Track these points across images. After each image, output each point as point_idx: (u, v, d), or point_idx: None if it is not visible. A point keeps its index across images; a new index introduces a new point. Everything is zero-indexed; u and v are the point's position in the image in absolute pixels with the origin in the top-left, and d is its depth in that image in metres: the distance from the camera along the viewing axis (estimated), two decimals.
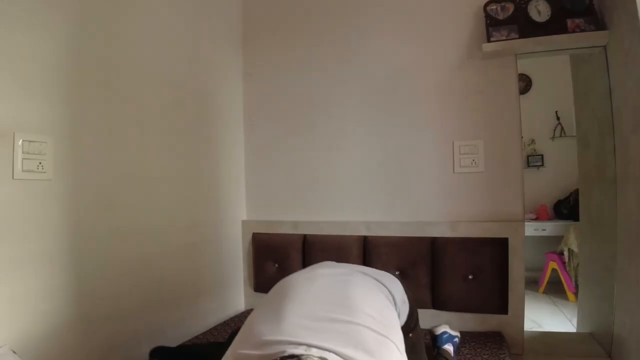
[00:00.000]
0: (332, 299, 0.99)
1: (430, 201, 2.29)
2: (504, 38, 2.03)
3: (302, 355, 0.75)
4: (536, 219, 4.15)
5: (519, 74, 4.32)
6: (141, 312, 1.98)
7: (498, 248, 2.13)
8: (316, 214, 2.55)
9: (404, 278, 2.27)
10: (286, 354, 0.75)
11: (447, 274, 2.19)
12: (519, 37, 2.01)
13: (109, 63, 1.87)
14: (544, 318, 3.21)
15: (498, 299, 2.13)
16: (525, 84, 4.37)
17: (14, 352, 1.37)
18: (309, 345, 0.78)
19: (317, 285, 1.09)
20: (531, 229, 4.10)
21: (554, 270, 3.78)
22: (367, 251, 2.36)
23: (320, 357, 0.75)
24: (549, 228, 4.04)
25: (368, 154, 2.43)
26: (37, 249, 1.56)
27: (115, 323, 1.83)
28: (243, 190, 2.80)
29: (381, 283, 1.27)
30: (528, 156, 4.38)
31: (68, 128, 1.69)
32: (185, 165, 2.32)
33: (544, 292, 3.89)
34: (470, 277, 2.16)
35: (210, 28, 2.57)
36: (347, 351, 0.78)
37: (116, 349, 1.81)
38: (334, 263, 1.54)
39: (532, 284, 4.12)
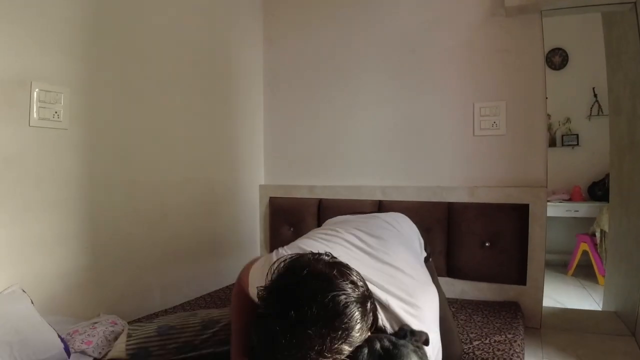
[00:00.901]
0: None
1: (448, 165, 2.22)
2: None
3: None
4: (569, 200, 3.96)
5: (555, 48, 4.15)
6: (155, 265, 2.02)
7: (518, 215, 2.04)
8: (332, 179, 2.53)
9: None
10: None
11: (464, 241, 2.13)
12: None
13: (129, 22, 1.90)
14: (571, 300, 3.06)
15: (516, 269, 2.04)
16: (561, 58, 4.13)
17: (24, 291, 1.43)
18: None
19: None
20: (563, 209, 3.91)
21: (584, 252, 3.60)
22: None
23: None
24: (582, 209, 3.83)
25: (385, 118, 2.38)
26: (51, 194, 1.61)
27: (127, 273, 1.88)
28: (261, 155, 2.81)
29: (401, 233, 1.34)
30: (563, 135, 4.16)
31: (86, 81, 1.73)
32: (203, 125, 2.34)
33: (573, 275, 3.71)
34: (487, 244, 2.08)
35: None
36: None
37: (128, 298, 1.86)
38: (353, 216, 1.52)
39: (561, 267, 3.94)
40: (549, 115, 4.18)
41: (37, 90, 1.53)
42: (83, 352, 1.36)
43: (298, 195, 2.63)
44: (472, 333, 1.70)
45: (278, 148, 2.75)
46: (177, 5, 2.15)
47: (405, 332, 0.90)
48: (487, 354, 1.49)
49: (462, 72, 2.18)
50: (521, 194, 2.04)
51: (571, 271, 3.76)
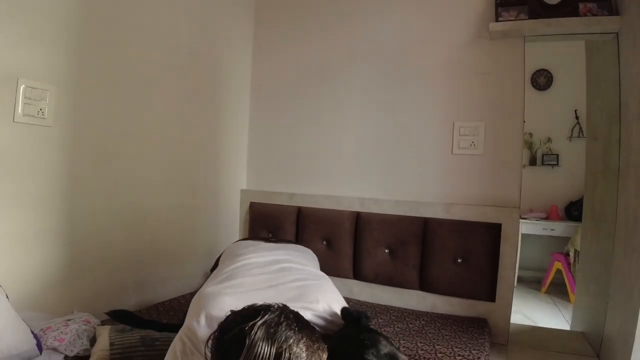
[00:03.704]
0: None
1: (426, 181, 2.28)
2: (513, 18, 1.99)
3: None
4: (546, 219, 4.06)
5: (541, 69, 4.26)
6: (132, 264, 2.04)
7: (491, 233, 2.10)
8: (313, 187, 2.57)
9: (393, 257, 2.28)
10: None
11: (437, 256, 2.18)
12: (529, 18, 1.96)
13: (118, 23, 1.92)
14: (542, 317, 3.14)
15: (486, 286, 2.10)
16: (546, 79, 4.24)
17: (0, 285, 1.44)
18: None
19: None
20: (540, 227, 4.01)
21: (558, 271, 3.69)
22: (359, 227, 2.37)
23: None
24: (558, 228, 3.94)
25: (367, 131, 2.43)
26: (32, 191, 1.62)
27: (104, 271, 1.90)
28: (245, 160, 2.84)
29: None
30: (543, 154, 4.27)
31: (72, 80, 1.74)
32: (187, 127, 2.36)
33: (546, 292, 3.80)
34: (460, 260, 2.14)
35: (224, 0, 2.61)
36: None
37: (103, 295, 1.87)
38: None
39: (535, 283, 4.04)
40: (530, 134, 4.29)
41: (23, 86, 1.55)
42: (55, 349, 1.37)
43: (278, 202, 2.66)
44: (438, 345, 1.75)
45: (261, 153, 2.79)
46: (167, 6, 2.17)
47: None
48: None
49: (445, 91, 2.24)
50: (495, 213, 2.10)
51: (544, 288, 3.86)
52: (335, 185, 2.50)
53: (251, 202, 2.75)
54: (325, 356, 0.79)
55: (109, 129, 1.92)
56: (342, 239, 2.42)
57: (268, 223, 2.65)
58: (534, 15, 1.97)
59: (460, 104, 2.21)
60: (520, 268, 4.06)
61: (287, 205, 2.62)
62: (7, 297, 1.40)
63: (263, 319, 0.77)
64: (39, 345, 1.31)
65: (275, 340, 0.74)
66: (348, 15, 2.51)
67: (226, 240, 2.68)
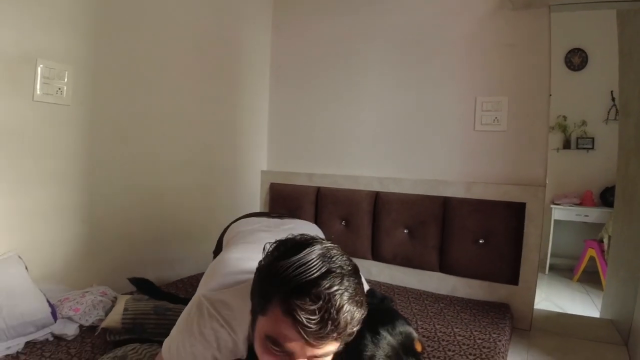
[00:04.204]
0: None
1: (447, 159, 2.21)
2: None
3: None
4: (580, 204, 3.87)
5: (575, 48, 4.03)
6: (150, 242, 2.08)
7: (514, 213, 2.01)
8: (331, 167, 2.55)
9: (412, 237, 2.23)
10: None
11: (457, 236, 2.11)
12: None
13: (136, 4, 1.94)
14: (574, 306, 3.00)
15: (509, 268, 2.02)
16: (581, 59, 4.01)
17: (20, 257, 1.49)
18: None
19: None
20: (573, 214, 3.81)
21: (591, 258, 3.51)
22: (377, 207, 2.33)
23: None
24: (592, 214, 3.73)
25: (387, 109, 2.38)
26: (52, 168, 1.67)
27: (123, 247, 1.94)
28: (265, 141, 2.84)
29: None
30: (578, 138, 4.05)
31: (90, 60, 1.78)
32: (207, 109, 2.38)
33: (579, 281, 3.63)
34: (481, 241, 2.06)
35: None
36: None
37: (122, 271, 1.90)
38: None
39: (567, 271, 3.86)
40: (564, 117, 4.09)
41: (41, 66, 1.59)
42: (70, 319, 1.42)
43: (298, 182, 2.65)
44: (457, 328, 1.70)
45: (281, 134, 2.78)
46: None
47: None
48: (471, 351, 1.49)
49: (466, 65, 2.15)
50: (518, 192, 2.01)
51: (577, 277, 3.68)
52: (354, 165, 2.47)
53: (271, 183, 2.76)
54: (361, 313, 0.78)
55: (128, 109, 1.95)
56: (360, 219, 2.38)
57: (287, 203, 2.65)
58: None
59: (483, 78, 2.12)
60: (552, 255, 3.89)
61: (307, 186, 2.61)
62: (26, 268, 1.46)
63: (323, 243, 0.81)
64: (54, 314, 1.35)
65: (330, 259, 0.77)
66: None
67: None
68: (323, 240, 0.84)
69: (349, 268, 0.79)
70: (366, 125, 2.44)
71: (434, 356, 1.44)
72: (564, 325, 2.13)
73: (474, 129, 2.13)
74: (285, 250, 0.80)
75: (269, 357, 0.78)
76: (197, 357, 0.92)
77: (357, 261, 0.89)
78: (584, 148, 4.03)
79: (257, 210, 2.79)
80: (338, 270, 0.76)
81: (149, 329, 1.39)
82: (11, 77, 1.51)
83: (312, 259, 0.76)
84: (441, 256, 2.16)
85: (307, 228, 1.45)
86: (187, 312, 1.00)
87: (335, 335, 0.73)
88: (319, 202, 2.52)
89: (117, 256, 1.91)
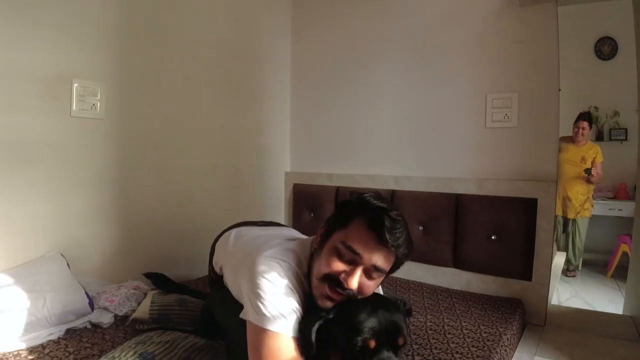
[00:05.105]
0: None
1: (459, 157, 2.25)
2: None
3: None
4: (613, 198, 3.74)
5: (604, 37, 3.90)
6: (180, 240, 2.25)
7: (526, 209, 2.03)
8: (350, 167, 2.65)
9: (427, 233, 2.29)
10: None
11: (470, 232, 2.15)
12: None
13: (159, 22, 2.12)
14: (604, 303, 2.93)
15: (522, 264, 2.04)
16: (610, 48, 3.86)
17: (62, 255, 1.69)
18: None
19: None
20: (606, 208, 3.70)
21: (625, 253, 3.40)
22: (393, 204, 2.37)
23: None
24: (626, 208, 3.60)
25: (401, 109, 2.45)
26: (88, 175, 1.86)
27: (155, 246, 2.12)
28: (288, 143, 2.98)
29: None
30: (611, 129, 3.92)
31: (120, 77, 1.97)
32: (231, 114, 2.53)
33: (612, 277, 3.52)
34: (493, 237, 2.10)
35: None
36: None
37: (155, 267, 2.03)
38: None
39: (600, 267, 3.75)
40: (595, 108, 3.97)
41: (76, 85, 1.78)
42: (105, 309, 1.59)
43: (319, 182, 2.77)
44: (465, 322, 1.75)
45: (303, 137, 2.90)
46: (206, 4, 2.33)
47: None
48: (474, 344, 1.54)
49: (476, 63, 2.19)
50: (530, 188, 2.03)
51: (610, 272, 3.58)
52: (371, 164, 2.56)
53: (294, 184, 2.88)
54: (411, 246, 1.02)
55: (156, 118, 2.13)
56: None
57: (309, 203, 2.77)
58: None
59: (493, 75, 2.15)
60: (585, 251, 3.80)
61: (327, 186, 2.72)
62: (68, 265, 1.65)
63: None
64: (91, 304, 1.53)
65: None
66: None
67: (271, 218, 2.79)
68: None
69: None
70: (382, 125, 2.52)
71: (436, 347, 1.51)
72: (581, 321, 2.12)
73: (485, 126, 2.17)
74: (360, 195, 1.04)
75: (335, 264, 0.97)
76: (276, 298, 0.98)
77: None
78: (617, 139, 3.91)
79: (283, 211, 2.95)
80: (400, 216, 1.00)
81: (173, 319, 1.54)
82: (50, 96, 1.71)
83: (386, 203, 1.02)
84: (455, 252, 2.21)
85: (291, 232, 1.54)
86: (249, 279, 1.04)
87: (396, 246, 0.96)
88: (339, 201, 2.62)
89: (149, 254, 2.09)
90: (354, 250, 0.95)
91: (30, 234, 1.66)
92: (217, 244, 1.57)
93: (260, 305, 0.97)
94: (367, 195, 1.03)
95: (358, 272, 0.96)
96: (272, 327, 0.95)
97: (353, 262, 0.96)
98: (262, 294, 0.98)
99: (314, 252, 1.06)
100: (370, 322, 0.95)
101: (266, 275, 1.00)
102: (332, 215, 1.08)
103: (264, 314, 0.96)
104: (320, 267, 0.99)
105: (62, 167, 1.76)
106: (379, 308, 0.99)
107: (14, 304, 1.38)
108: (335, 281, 0.96)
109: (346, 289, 0.96)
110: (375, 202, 1.00)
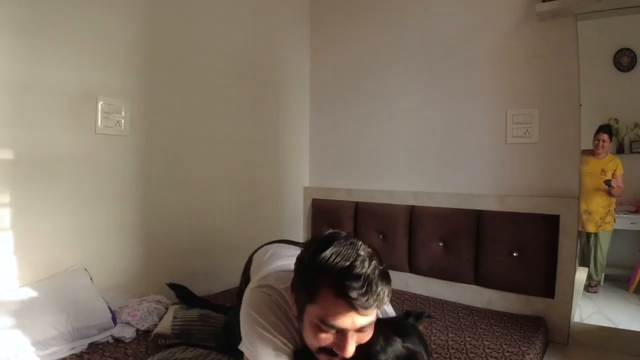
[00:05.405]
0: None
1: (480, 172, 2.23)
2: None
3: None
4: (636, 212, 3.66)
5: (623, 49, 3.85)
6: (201, 255, 2.27)
7: (548, 225, 2.00)
8: (369, 182, 2.65)
9: (447, 250, 2.27)
10: None
11: (491, 249, 2.13)
12: None
13: (181, 40, 2.17)
14: (627, 319, 2.86)
15: (544, 281, 2.01)
16: (629, 59, 3.81)
17: (86, 269, 1.72)
18: None
19: None
20: (627, 222, 3.62)
21: None
22: (413, 220, 2.39)
23: None
24: None
25: (420, 124, 2.44)
26: (112, 191, 1.90)
27: (175, 261, 2.14)
28: (307, 159, 3.00)
29: None
30: (631, 142, 3.85)
31: (143, 94, 2.01)
32: (251, 131, 2.56)
33: (635, 292, 3.43)
34: (515, 254, 2.06)
35: (280, 7, 2.78)
36: None
37: (176, 281, 2.04)
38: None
39: (623, 282, 3.66)
40: (615, 120, 3.90)
41: (101, 103, 1.83)
42: (128, 323, 1.61)
43: (337, 198, 2.77)
44: (487, 340, 1.72)
45: (321, 152, 2.92)
46: (225, 21, 2.38)
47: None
48: None
49: (495, 78, 2.18)
50: (552, 204, 2.00)
51: (633, 287, 3.49)
52: (390, 179, 2.55)
53: (313, 199, 2.89)
54: (389, 284, 0.94)
55: (179, 135, 2.16)
56: (397, 233, 2.45)
57: (328, 218, 2.78)
58: None
59: (513, 90, 2.13)
60: (607, 266, 3.71)
61: (346, 201, 2.72)
62: (91, 279, 1.68)
63: (344, 235, 0.99)
64: (114, 319, 1.55)
65: (355, 246, 0.95)
66: (397, 13, 2.55)
67: (289, 233, 2.84)
68: (341, 232, 1.01)
69: (370, 250, 0.96)
70: (400, 140, 2.52)
71: None
72: (604, 339, 2.06)
73: (505, 142, 2.15)
74: (318, 246, 0.96)
75: (323, 338, 0.93)
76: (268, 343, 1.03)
77: (395, 274, 1.02)
78: (638, 152, 3.82)
79: (302, 226, 2.96)
80: (364, 254, 0.93)
81: (194, 335, 1.55)
82: (76, 113, 1.76)
83: (343, 249, 0.93)
84: (476, 269, 2.18)
85: None
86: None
87: (377, 303, 0.90)
88: (358, 217, 2.62)
89: (171, 268, 2.10)
90: (334, 326, 0.91)
91: (54, 248, 1.70)
92: (255, 255, 1.57)
93: (247, 337, 1.03)
94: (325, 254, 0.93)
95: (349, 340, 0.92)
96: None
97: (339, 331, 0.92)
98: (249, 327, 1.04)
99: (297, 318, 1.02)
100: (385, 356, 0.96)
101: (253, 309, 1.05)
102: (296, 281, 1.01)
103: (253, 347, 1.01)
104: (311, 342, 0.96)
105: (86, 183, 1.80)
106: (391, 336, 0.99)
107: (38, 318, 1.41)
108: (330, 351, 0.94)
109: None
110: (334, 263, 0.91)
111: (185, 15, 2.18)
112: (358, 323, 0.91)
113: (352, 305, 0.88)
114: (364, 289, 0.88)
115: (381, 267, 0.94)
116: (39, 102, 1.65)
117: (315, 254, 0.95)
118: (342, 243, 0.95)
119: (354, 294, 0.87)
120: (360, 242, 0.97)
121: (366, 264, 0.91)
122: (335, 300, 0.89)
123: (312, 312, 0.93)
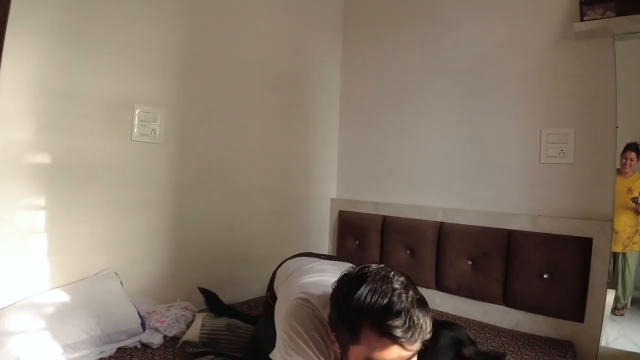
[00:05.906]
0: None
1: (512, 192, 2.19)
2: (599, 16, 1.84)
3: None
4: None
5: None
6: (227, 263, 2.29)
7: (580, 248, 1.94)
8: (397, 197, 2.63)
9: (476, 269, 2.23)
10: None
11: (522, 270, 2.08)
12: (616, 15, 1.80)
13: (215, 51, 2.21)
14: None
15: (574, 305, 1.94)
16: None
17: (116, 274, 1.75)
18: None
19: None
20: None
21: None
22: (441, 237, 2.35)
23: None
24: None
25: (451, 140, 2.42)
26: (145, 197, 1.94)
27: (203, 268, 2.17)
28: (335, 170, 3.00)
29: None
30: None
31: (178, 103, 2.06)
32: (281, 142, 2.59)
33: None
34: (546, 276, 2.01)
35: (313, 20, 2.82)
36: None
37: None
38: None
39: None
40: None
41: (138, 111, 1.87)
42: (156, 329, 1.63)
43: (364, 211, 2.76)
44: None
45: (350, 164, 2.92)
46: (261, 34, 2.42)
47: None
48: None
49: (530, 96, 2.14)
50: (585, 227, 1.94)
51: None
52: (419, 195, 2.53)
53: (340, 211, 2.89)
54: (430, 314, 0.95)
55: (211, 144, 2.20)
56: (424, 249, 2.42)
57: (354, 231, 2.77)
58: (622, 11, 1.80)
59: (548, 109, 2.09)
60: (635, 288, 3.58)
61: (373, 214, 2.71)
62: (121, 283, 1.71)
63: (374, 269, 0.99)
64: (143, 325, 1.57)
65: (389, 279, 0.95)
66: (429, 28, 2.55)
67: (316, 245, 2.85)
68: (371, 265, 1.00)
69: (403, 280, 0.96)
70: (430, 156, 2.50)
71: None
72: None
73: (539, 161, 2.10)
74: (350, 285, 0.96)
75: None
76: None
77: (421, 290, 1.01)
78: None
79: (328, 237, 2.95)
80: (398, 286, 0.93)
81: (221, 344, 1.56)
82: (113, 120, 1.80)
83: (377, 285, 0.93)
84: (505, 289, 2.13)
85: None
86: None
87: (421, 336, 0.91)
88: (384, 231, 2.60)
89: (198, 275, 2.12)
90: None
91: (87, 251, 1.73)
92: (279, 270, 1.58)
93: (285, 348, 1.04)
94: (360, 294, 0.92)
95: None
96: None
97: None
98: (289, 339, 1.04)
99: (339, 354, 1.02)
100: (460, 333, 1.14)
101: (297, 321, 1.06)
102: (335, 320, 0.99)
103: (290, 358, 1.02)
104: None
105: (121, 189, 1.84)
106: (445, 326, 1.17)
107: (69, 321, 1.43)
108: None
109: None
110: (372, 303, 0.91)
111: (221, 27, 2.23)
112: (405, 355, 0.92)
113: (396, 342, 0.89)
114: (407, 325, 0.88)
115: (418, 297, 0.94)
116: (78, 109, 1.69)
117: (349, 294, 0.95)
118: (374, 279, 0.94)
119: (397, 332, 0.88)
120: (392, 273, 0.97)
121: (403, 297, 0.91)
122: (379, 339, 0.90)
123: (357, 351, 0.94)
